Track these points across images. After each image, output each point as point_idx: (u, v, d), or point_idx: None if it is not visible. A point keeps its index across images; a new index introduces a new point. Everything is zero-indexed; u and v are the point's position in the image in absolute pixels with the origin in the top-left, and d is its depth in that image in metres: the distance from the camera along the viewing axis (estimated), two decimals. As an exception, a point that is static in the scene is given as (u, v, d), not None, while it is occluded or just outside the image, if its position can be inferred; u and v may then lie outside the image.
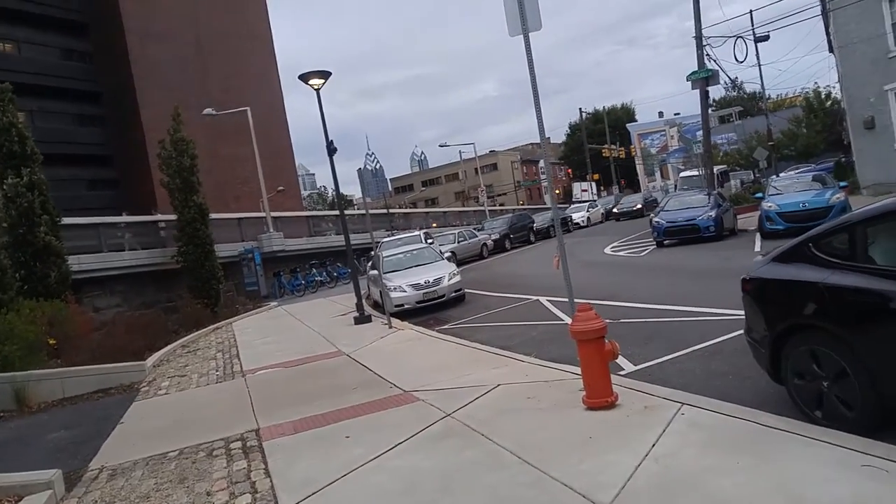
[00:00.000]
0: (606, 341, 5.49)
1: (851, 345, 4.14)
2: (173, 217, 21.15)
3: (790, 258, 4.88)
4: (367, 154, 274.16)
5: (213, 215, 22.51)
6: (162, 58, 43.36)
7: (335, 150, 14.15)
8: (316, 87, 14.65)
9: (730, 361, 6.59)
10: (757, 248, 14.89)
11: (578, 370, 7.03)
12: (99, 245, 20.44)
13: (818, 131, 60.29)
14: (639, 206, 39.76)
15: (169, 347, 14.81)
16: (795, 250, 4.85)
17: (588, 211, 39.95)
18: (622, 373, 6.88)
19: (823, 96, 67.74)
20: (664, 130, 76.88)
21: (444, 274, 14.96)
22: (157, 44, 43.62)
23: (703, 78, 23.22)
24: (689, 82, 23.85)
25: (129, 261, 20.75)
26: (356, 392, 8.02)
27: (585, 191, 61.32)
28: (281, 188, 47.99)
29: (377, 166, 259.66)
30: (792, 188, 16.84)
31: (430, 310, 14.63)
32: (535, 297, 13.51)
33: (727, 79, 27.78)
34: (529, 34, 6.63)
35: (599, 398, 5.51)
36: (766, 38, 23.62)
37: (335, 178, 14.86)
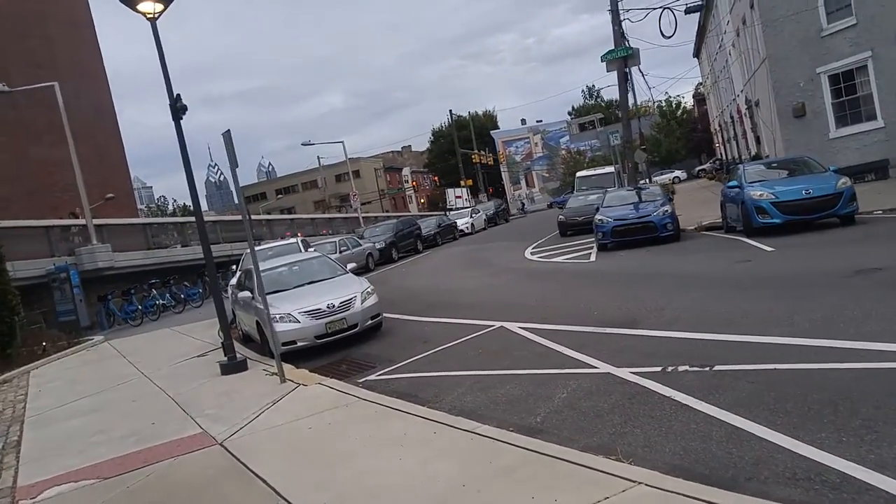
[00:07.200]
0: None
1: None
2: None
3: None
4: (210, 165, 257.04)
5: (4, 222, 16.13)
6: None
7: (184, 107, 9.14)
8: (150, 15, 9.68)
9: None
10: (761, 246, 11.68)
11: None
12: None
13: (678, 138, 61.91)
14: None
15: None
16: None
17: (472, 217, 36.52)
18: None
19: (674, 105, 70.82)
20: (528, 138, 76.32)
21: (353, 294, 10.30)
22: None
23: (622, 58, 20.35)
24: (604, 63, 20.93)
25: None
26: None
27: (459, 197, 58.19)
28: (111, 195, 40.41)
29: (221, 178, 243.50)
30: (772, 175, 13.90)
31: (335, 346, 9.99)
32: (494, 323, 9.32)
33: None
34: None
35: None
36: (699, 8, 21.24)
37: (185, 153, 9.70)
